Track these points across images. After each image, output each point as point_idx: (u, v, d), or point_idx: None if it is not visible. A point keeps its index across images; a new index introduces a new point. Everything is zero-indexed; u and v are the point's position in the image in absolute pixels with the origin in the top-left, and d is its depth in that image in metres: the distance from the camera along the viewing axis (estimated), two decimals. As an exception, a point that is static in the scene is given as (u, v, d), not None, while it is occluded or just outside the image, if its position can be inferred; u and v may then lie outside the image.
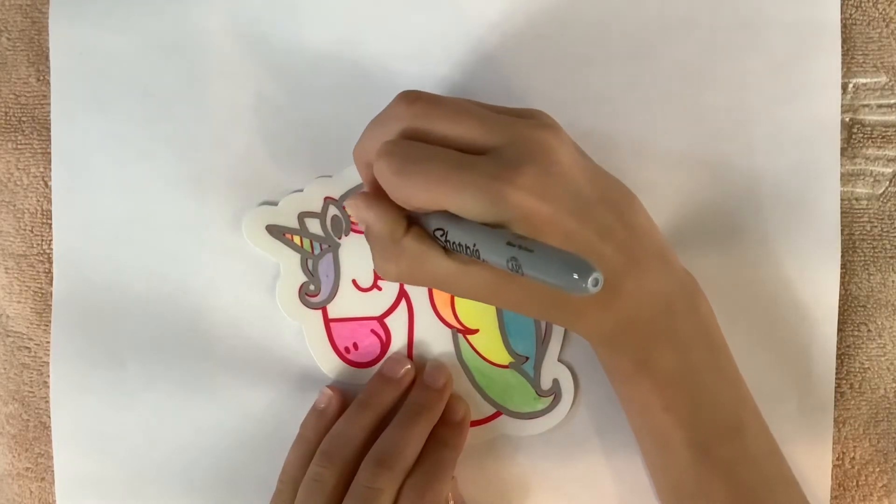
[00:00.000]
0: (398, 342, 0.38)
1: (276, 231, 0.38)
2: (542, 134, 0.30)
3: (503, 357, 0.38)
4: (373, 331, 0.38)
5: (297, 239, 0.38)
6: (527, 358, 0.38)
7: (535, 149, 0.29)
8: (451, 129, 0.30)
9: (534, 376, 0.38)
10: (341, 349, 0.38)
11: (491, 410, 0.38)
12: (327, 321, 0.38)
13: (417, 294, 0.38)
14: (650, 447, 0.35)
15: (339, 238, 0.38)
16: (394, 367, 0.38)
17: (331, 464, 0.35)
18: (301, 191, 0.38)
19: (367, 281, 0.38)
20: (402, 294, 0.38)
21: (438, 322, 0.38)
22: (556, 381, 0.38)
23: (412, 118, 0.30)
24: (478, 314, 0.38)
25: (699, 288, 0.34)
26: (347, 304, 0.38)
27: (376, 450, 0.35)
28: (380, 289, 0.38)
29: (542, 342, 0.38)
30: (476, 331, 0.38)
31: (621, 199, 0.32)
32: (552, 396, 0.38)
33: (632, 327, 0.32)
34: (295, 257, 0.38)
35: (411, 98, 0.31)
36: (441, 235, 0.30)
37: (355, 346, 0.38)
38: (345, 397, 0.38)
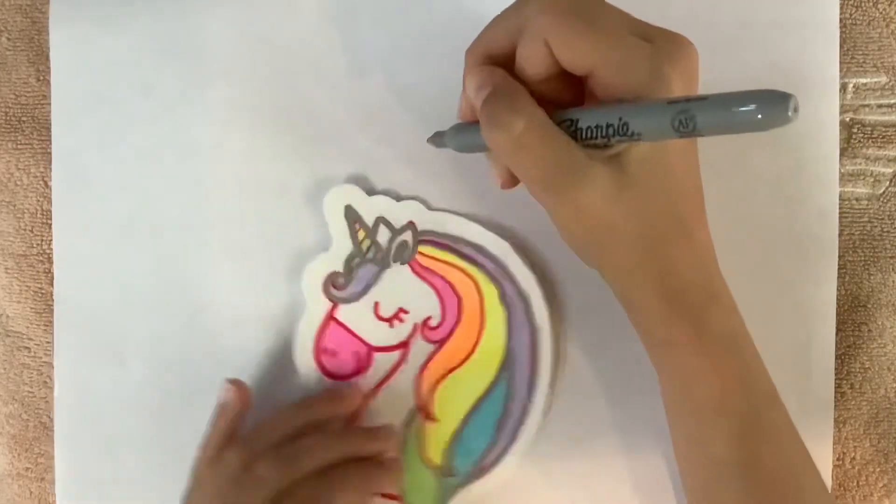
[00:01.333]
0: (371, 379, 0.38)
1: (352, 215, 0.37)
2: (688, 40, 0.30)
3: (436, 456, 0.38)
4: (356, 352, 0.38)
5: (361, 233, 0.38)
6: (454, 474, 0.38)
7: (686, 49, 0.29)
8: (605, 8, 0.29)
9: (446, 493, 0.37)
10: (322, 345, 0.38)
11: (393, 490, 0.38)
12: (330, 316, 0.38)
13: (416, 353, 0.38)
14: (691, 420, 0.33)
15: (394, 262, 0.38)
16: (346, 399, 0.38)
17: (242, 451, 0.35)
18: (398, 199, 0.38)
19: (387, 312, 0.38)
20: (404, 347, 0.38)
21: (412, 389, 0.38)
22: None
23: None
24: (450, 410, 0.38)
25: None
26: (357, 317, 0.38)
27: (282, 448, 0.35)
28: (391, 326, 0.38)
29: (479, 471, 0.37)
30: (435, 420, 0.38)
31: None
32: None
33: (699, 280, 0.31)
34: (347, 247, 0.38)
35: None
36: (569, 126, 0.29)
37: (334, 353, 0.38)
38: (246, 393, 0.37)
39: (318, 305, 0.38)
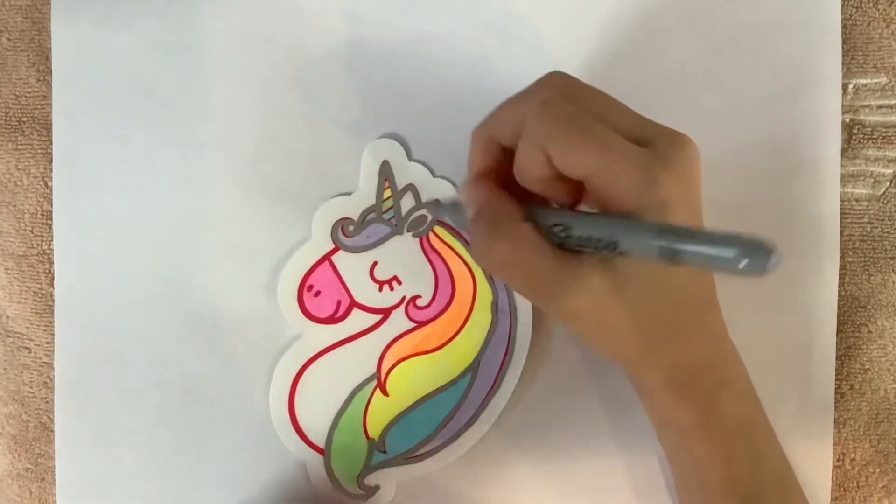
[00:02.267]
0: (342, 331, 0.38)
1: (386, 171, 0.38)
2: (683, 138, 0.30)
3: (375, 430, 0.38)
4: (339, 301, 0.38)
5: (387, 193, 0.38)
6: (385, 451, 0.38)
7: (684, 150, 0.29)
8: (605, 111, 0.29)
9: (371, 466, 0.38)
10: (309, 281, 0.38)
11: (322, 444, 0.38)
12: (328, 257, 0.38)
13: (392, 324, 0.38)
14: (699, 496, 0.34)
15: (407, 232, 0.38)
16: None
17: None
18: (433, 174, 0.38)
19: (382, 275, 0.38)
20: (385, 314, 0.38)
21: (377, 357, 0.38)
22: (377, 488, 0.38)
23: (566, 89, 0.30)
24: (404, 390, 0.38)
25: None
26: (353, 269, 0.38)
27: None
28: (381, 290, 0.38)
29: (408, 458, 0.38)
30: (387, 395, 0.38)
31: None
32: (363, 493, 0.38)
33: (706, 368, 0.31)
34: (369, 199, 0.38)
35: (562, 75, 0.30)
36: (560, 231, 0.29)
37: (318, 292, 0.38)
38: None
39: (321, 242, 0.38)
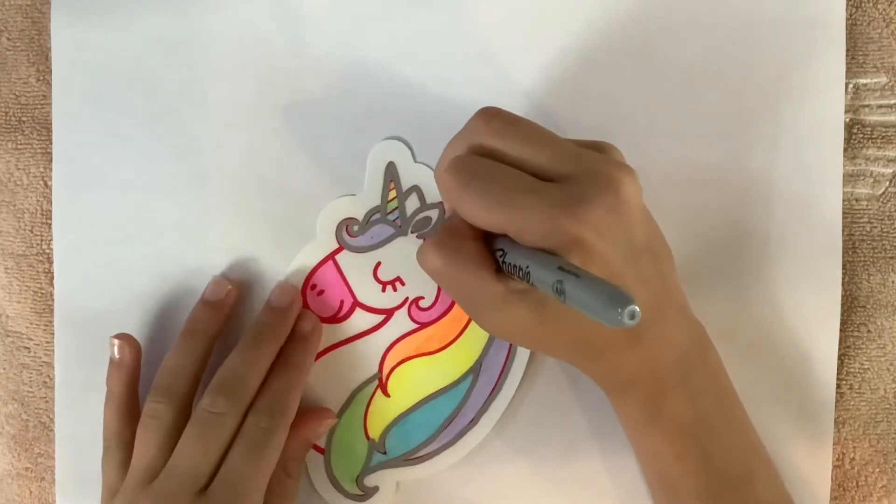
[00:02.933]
0: (344, 331, 0.38)
1: (390, 172, 0.38)
2: (615, 172, 0.30)
3: (375, 431, 0.38)
4: (342, 300, 0.38)
5: (392, 193, 0.38)
6: (385, 452, 0.38)
7: (604, 186, 0.29)
8: (524, 151, 0.30)
9: (371, 466, 0.38)
10: (312, 281, 0.38)
11: (322, 443, 0.38)
12: (332, 257, 0.38)
13: (395, 325, 0.38)
14: (660, 495, 0.35)
15: (410, 232, 0.38)
16: (215, 289, 0.38)
17: (166, 397, 0.34)
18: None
19: (386, 276, 0.38)
20: (388, 314, 0.38)
21: (378, 357, 0.38)
22: (376, 488, 0.38)
23: (486, 135, 0.31)
24: (404, 391, 0.38)
25: (708, 336, 0.34)
26: (356, 269, 0.38)
27: (217, 377, 0.35)
28: (384, 290, 0.38)
29: (407, 459, 0.38)
30: (388, 396, 0.38)
31: (660, 250, 0.32)
32: (362, 494, 0.38)
33: (647, 376, 0.32)
34: (374, 200, 0.38)
35: (488, 115, 0.31)
36: (500, 256, 0.30)
37: (320, 292, 0.38)
38: (136, 345, 0.37)
39: (325, 242, 0.38)
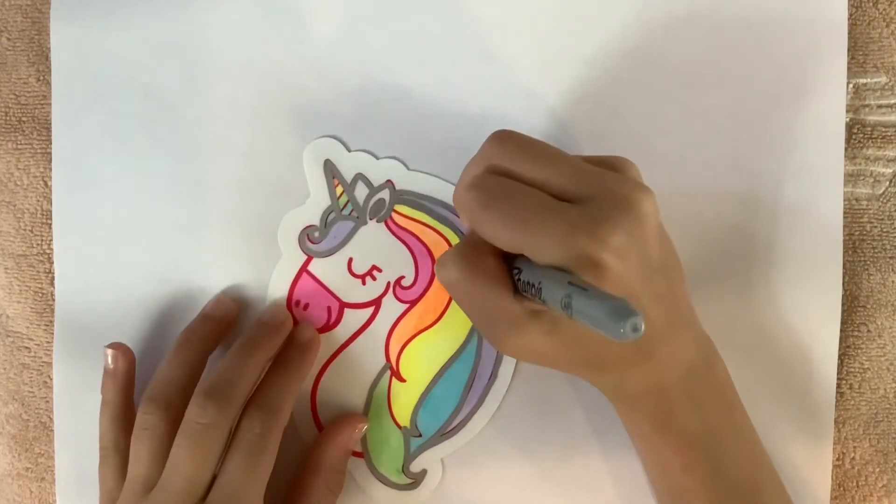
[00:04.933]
0: (341, 336, 0.38)
1: (330, 169, 0.38)
2: (634, 194, 0.30)
3: (404, 418, 0.38)
4: (329, 307, 0.38)
5: (339, 189, 0.38)
6: (420, 435, 0.38)
7: (623, 208, 0.29)
8: (541, 173, 0.30)
9: (412, 453, 0.38)
10: (294, 297, 0.38)
11: (358, 447, 0.38)
12: (304, 268, 0.38)
13: (387, 312, 0.38)
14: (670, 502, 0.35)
15: (370, 219, 0.38)
16: (216, 306, 0.38)
17: (158, 408, 0.34)
18: (377, 158, 0.38)
19: (361, 269, 0.38)
20: (376, 305, 0.38)
21: (382, 348, 0.38)
22: (424, 472, 0.38)
23: (502, 157, 0.31)
24: (418, 371, 0.38)
25: (716, 349, 0.34)
26: (331, 272, 0.38)
27: (206, 381, 0.34)
28: (364, 283, 0.38)
29: (443, 434, 0.38)
30: (403, 380, 0.38)
31: (673, 268, 0.32)
32: (412, 482, 0.38)
33: (655, 389, 0.32)
34: (325, 201, 0.38)
35: (503, 138, 0.31)
36: (516, 274, 0.30)
37: (306, 306, 0.38)
38: (129, 353, 0.37)
39: (292, 256, 0.38)
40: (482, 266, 0.31)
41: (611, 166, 0.31)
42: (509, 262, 0.31)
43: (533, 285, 0.29)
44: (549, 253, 0.28)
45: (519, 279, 0.30)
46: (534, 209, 0.29)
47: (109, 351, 0.37)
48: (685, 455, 0.33)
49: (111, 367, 0.37)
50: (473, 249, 0.31)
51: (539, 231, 0.29)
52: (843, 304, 0.38)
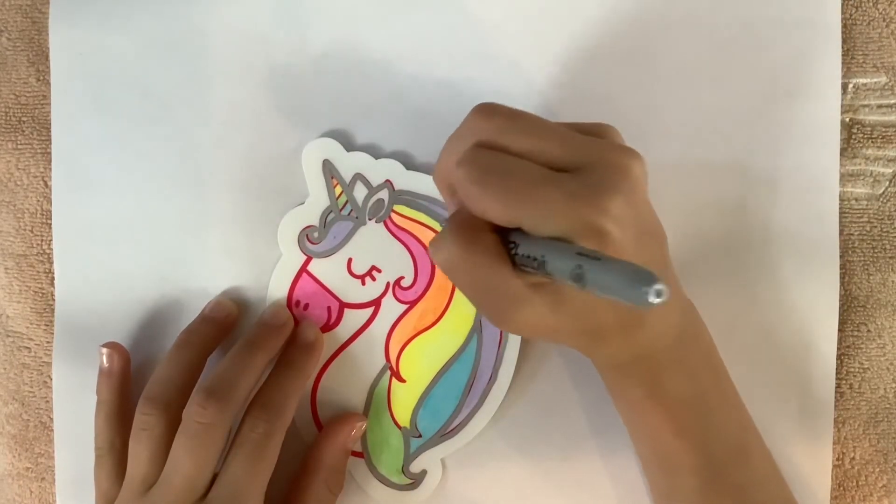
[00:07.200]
0: (341, 336, 0.38)
1: (329, 169, 0.38)
2: (626, 160, 0.29)
3: (404, 418, 0.38)
4: (329, 308, 0.38)
5: (338, 189, 0.38)
6: (420, 435, 0.38)
7: (619, 174, 0.29)
8: (531, 144, 0.29)
9: (412, 454, 0.38)
10: (294, 298, 0.38)
11: (358, 447, 0.38)
12: (304, 269, 0.38)
13: (386, 313, 0.38)
14: (657, 473, 0.35)
15: (369, 219, 0.38)
16: (216, 307, 0.38)
17: (155, 408, 0.34)
18: (376, 158, 0.38)
19: (360, 269, 0.38)
20: (375, 305, 0.38)
21: (382, 348, 0.38)
22: (424, 472, 0.38)
23: (490, 132, 0.30)
24: (417, 371, 0.38)
25: (699, 315, 0.34)
26: (331, 272, 0.38)
27: (207, 380, 0.34)
28: (363, 283, 0.38)
29: (443, 435, 0.38)
30: (403, 381, 0.38)
31: (658, 230, 0.32)
32: (412, 482, 0.38)
33: (646, 356, 0.32)
34: (324, 201, 0.38)
35: (488, 111, 0.31)
36: (512, 248, 0.30)
37: (306, 306, 0.38)
38: (124, 352, 0.37)
39: (292, 257, 0.38)
40: (480, 243, 0.30)
41: (595, 133, 0.31)
42: (503, 237, 0.30)
43: (535, 258, 0.28)
44: (550, 224, 0.28)
45: (516, 253, 0.29)
46: (531, 182, 0.29)
47: (104, 350, 0.37)
48: (676, 419, 0.33)
49: (106, 366, 0.37)
50: (467, 227, 0.30)
51: (539, 203, 0.28)
52: (842, 304, 0.38)
